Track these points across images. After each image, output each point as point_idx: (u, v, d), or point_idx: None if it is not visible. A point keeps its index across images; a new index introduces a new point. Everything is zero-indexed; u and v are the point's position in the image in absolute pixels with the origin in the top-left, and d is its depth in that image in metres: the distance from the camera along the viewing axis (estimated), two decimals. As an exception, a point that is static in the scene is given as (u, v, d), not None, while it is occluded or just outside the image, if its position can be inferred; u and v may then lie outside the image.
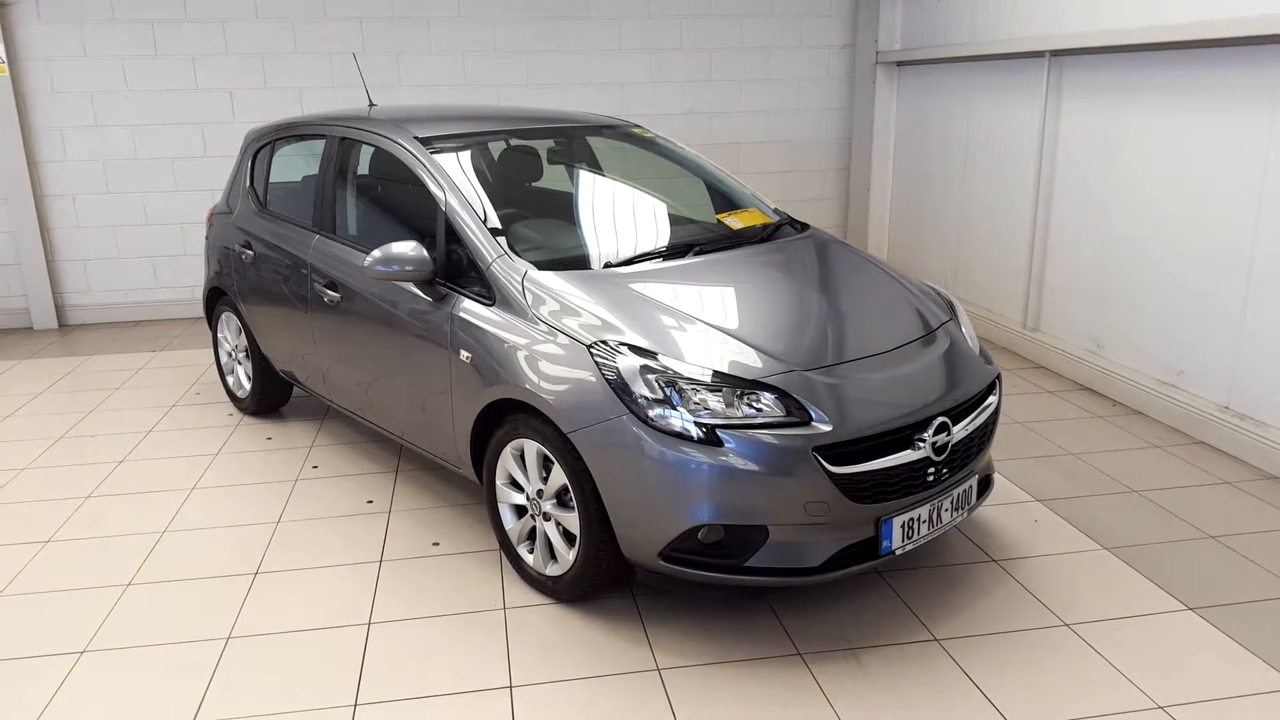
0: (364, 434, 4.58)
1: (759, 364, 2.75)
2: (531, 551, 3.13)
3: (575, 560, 2.91)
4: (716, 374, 2.69)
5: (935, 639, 2.81)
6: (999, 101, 6.02)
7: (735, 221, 3.72)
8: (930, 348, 3.05)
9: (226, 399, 5.14)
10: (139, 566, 3.37)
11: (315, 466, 4.23)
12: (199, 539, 3.57)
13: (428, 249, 3.27)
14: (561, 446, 2.83)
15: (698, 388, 2.66)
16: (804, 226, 3.82)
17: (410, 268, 3.25)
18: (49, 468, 4.30)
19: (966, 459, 2.96)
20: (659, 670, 2.68)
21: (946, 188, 6.74)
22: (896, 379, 2.86)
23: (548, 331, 2.92)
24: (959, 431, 2.88)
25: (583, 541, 2.86)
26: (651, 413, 2.64)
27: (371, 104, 4.84)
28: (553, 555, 3.05)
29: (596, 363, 2.76)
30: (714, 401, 2.64)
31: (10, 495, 4.02)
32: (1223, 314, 4.27)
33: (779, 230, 3.74)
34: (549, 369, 2.87)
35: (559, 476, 2.89)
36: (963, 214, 6.52)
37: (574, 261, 3.23)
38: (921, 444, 2.76)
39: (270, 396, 4.82)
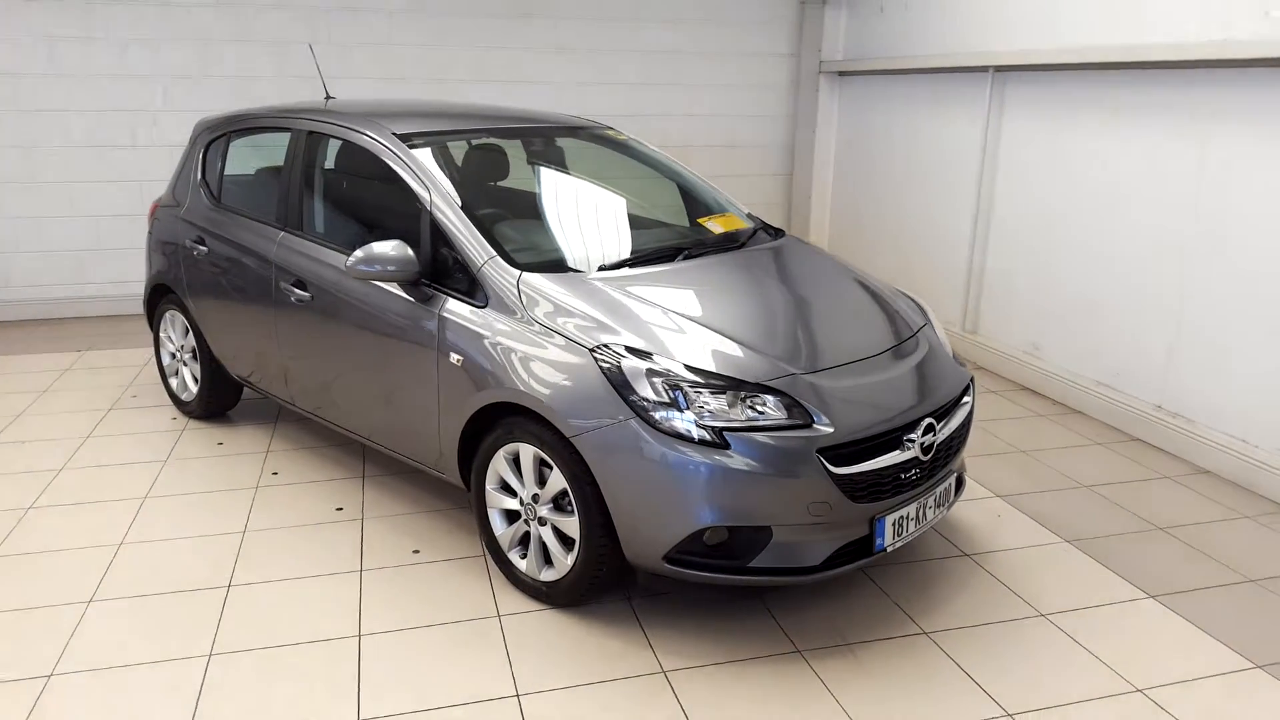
0: (322, 438, 4.45)
1: (760, 367, 2.80)
2: (523, 557, 3.11)
3: (573, 565, 2.90)
4: (720, 376, 2.73)
5: (924, 632, 2.92)
6: (941, 113, 6.24)
7: (715, 226, 3.77)
8: (914, 352, 3.15)
9: (169, 402, 4.92)
10: (99, 582, 3.20)
11: (275, 473, 4.10)
12: (161, 551, 3.42)
13: (411, 249, 3.21)
14: (562, 450, 2.82)
15: (702, 390, 2.69)
16: (779, 232, 3.90)
17: (394, 268, 3.18)
18: (-18, 477, 4.05)
19: (948, 458, 3.07)
20: (665, 673, 2.70)
21: (887, 195, 6.96)
22: (886, 382, 2.95)
23: (546, 335, 2.91)
24: (942, 432, 2.99)
25: (582, 546, 2.85)
26: (657, 415, 2.66)
27: (329, 96, 4.72)
28: (547, 560, 3.03)
29: (600, 366, 2.76)
30: (718, 404, 2.67)
31: (-57, 507, 3.77)
32: (1157, 320, 4.53)
33: (754, 235, 3.80)
34: (549, 373, 2.85)
35: (557, 481, 2.88)
36: (903, 220, 6.74)
37: (565, 265, 3.22)
38: (910, 444, 2.85)
39: (219, 399, 4.64)
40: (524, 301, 3.01)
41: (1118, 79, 4.68)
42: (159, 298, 4.77)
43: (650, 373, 2.72)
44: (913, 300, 3.59)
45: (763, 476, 2.62)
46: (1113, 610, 3.05)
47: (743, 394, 2.70)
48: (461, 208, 3.27)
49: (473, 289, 3.14)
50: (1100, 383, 4.92)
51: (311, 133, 3.89)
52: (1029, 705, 2.57)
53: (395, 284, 3.31)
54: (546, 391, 2.83)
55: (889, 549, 2.84)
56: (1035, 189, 5.34)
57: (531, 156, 3.98)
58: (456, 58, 7.05)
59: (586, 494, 2.79)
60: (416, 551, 3.41)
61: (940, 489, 3.03)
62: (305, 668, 2.73)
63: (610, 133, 4.24)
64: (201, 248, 4.29)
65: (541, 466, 2.95)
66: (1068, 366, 5.15)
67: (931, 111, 6.35)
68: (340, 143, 3.82)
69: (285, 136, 4.07)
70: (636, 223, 3.83)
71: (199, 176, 4.51)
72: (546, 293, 3.01)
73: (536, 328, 2.94)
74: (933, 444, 2.92)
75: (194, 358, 4.61)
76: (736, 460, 2.61)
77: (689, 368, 2.74)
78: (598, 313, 2.93)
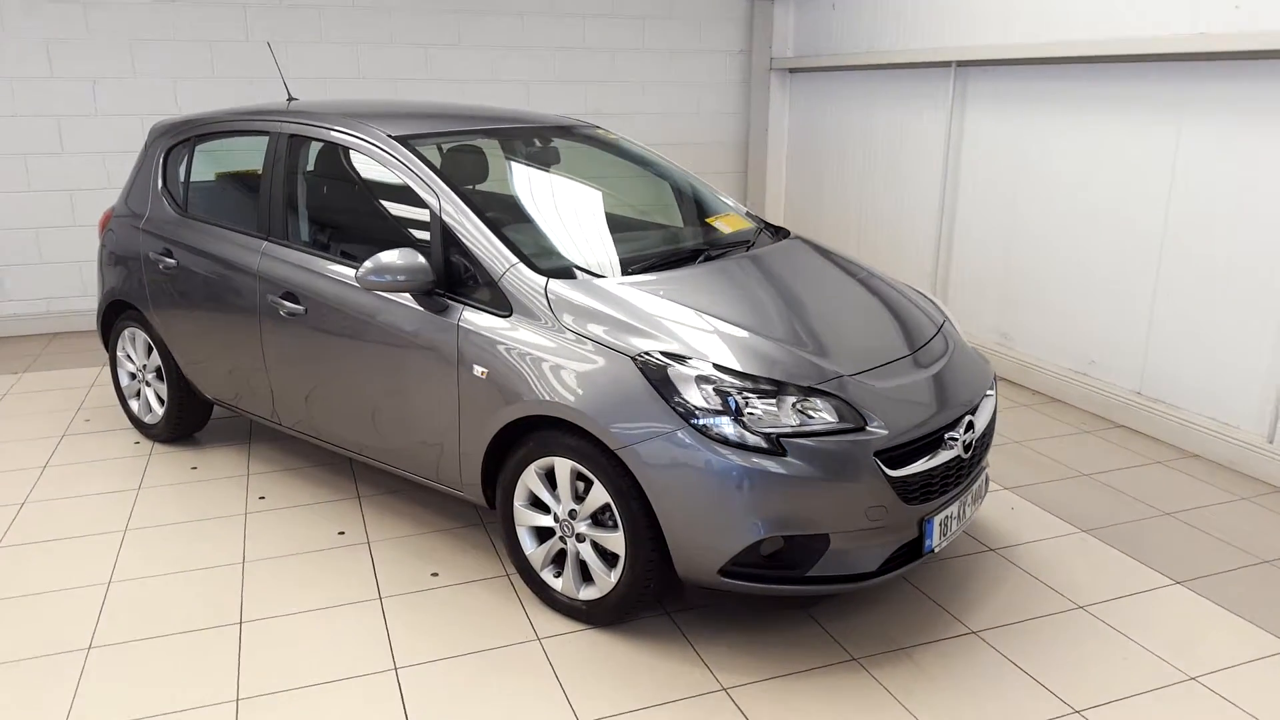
0: (304, 458, 4.22)
1: (806, 369, 2.74)
2: (557, 575, 2.98)
3: (618, 582, 2.79)
4: (769, 381, 2.66)
5: (972, 631, 2.90)
6: (902, 108, 6.29)
7: (724, 226, 3.69)
8: (944, 349, 3.14)
9: (128, 426, 4.60)
10: (94, 627, 2.94)
11: (262, 497, 3.86)
12: (156, 588, 3.17)
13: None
14: (604, 464, 2.70)
15: (751, 395, 2.61)
16: (784, 231, 3.84)
17: (406, 278, 3.01)
18: (-67, 516, 3.70)
19: (982, 454, 3.07)
20: (725, 690, 2.62)
21: (846, 191, 7.00)
22: (925, 381, 2.92)
23: (581, 344, 2.79)
24: (978, 428, 2.98)
25: (628, 562, 2.74)
26: (710, 424, 2.57)
27: (291, 98, 4.48)
28: (585, 578, 2.91)
29: (646, 375, 2.66)
30: (770, 409, 2.60)
31: (-106, 552, 3.42)
32: (1132, 306, 4.66)
33: (760, 235, 3.73)
34: (588, 383, 2.73)
35: (599, 495, 2.76)
36: (863, 216, 6.79)
37: (589, 270, 3.09)
38: (953, 442, 2.83)
39: (188, 421, 4.35)
40: (554, 310, 2.88)
41: (1088, 72, 4.78)
42: (115, 314, 4.45)
43: (700, 379, 2.63)
44: (926, 297, 3.58)
45: (822, 483, 2.56)
46: (1146, 598, 3.09)
47: (793, 398, 2.63)
48: (473, 213, 3.11)
49: (494, 298, 3.00)
50: (1076, 370, 5.03)
51: (294, 136, 3.66)
52: (1094, 700, 2.57)
53: (405, 295, 3.13)
54: (587, 403, 2.71)
55: (936, 550, 2.81)
56: (1001, 184, 5.43)
57: (528, 158, 3.83)
58: (402, 56, 6.80)
59: (633, 508, 2.68)
60: (435, 574, 3.25)
61: (976, 485, 3.03)
62: (347, 708, 2.55)
63: (600, 132, 4.13)
64: (168, 260, 4.01)
65: (578, 481, 2.83)
66: (1042, 355, 5.26)
67: (892, 108, 6.40)
68: (328, 146, 3.61)
69: (260, 140, 3.83)
70: (648, 225, 3.73)
71: (159, 184, 4.21)
72: (578, 300, 2.89)
73: (570, 336, 2.82)
74: (972, 441, 2.91)
75: (158, 377, 4.31)
76: (795, 467, 2.54)
77: (737, 373, 2.66)
78: (635, 319, 2.82)
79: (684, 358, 2.68)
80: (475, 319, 3.00)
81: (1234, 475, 4.08)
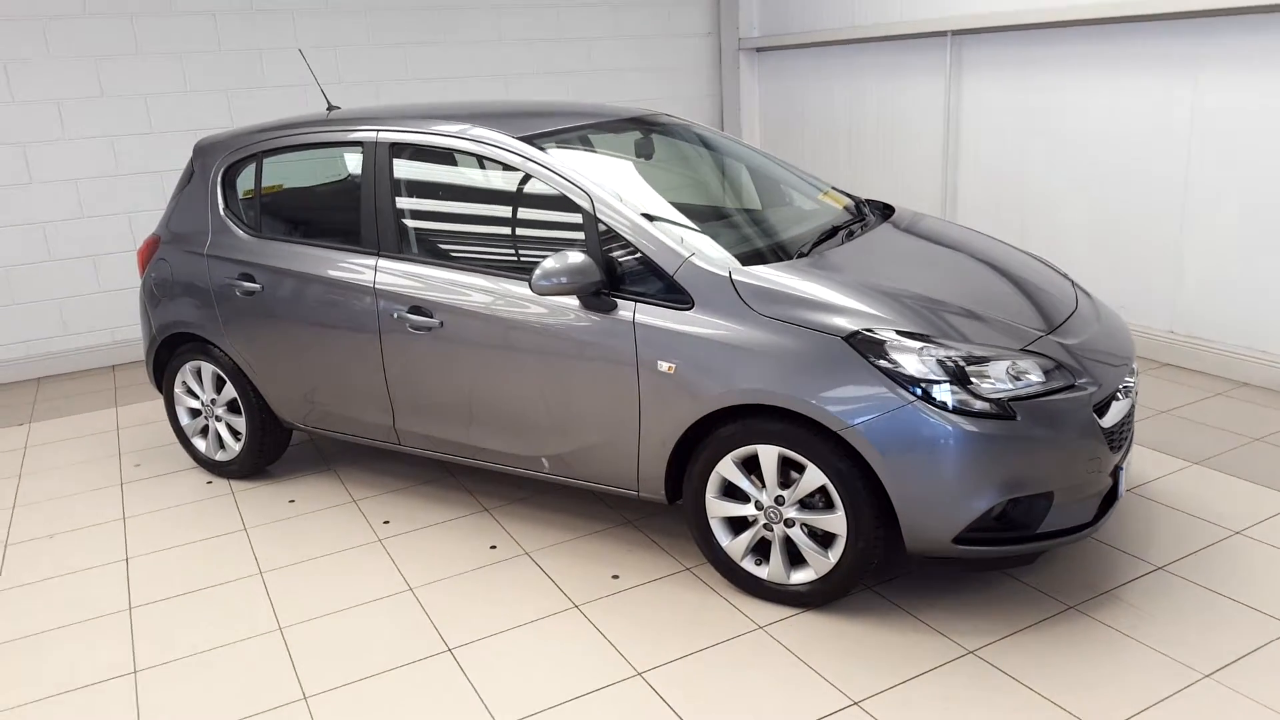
0: (405, 478, 4.05)
1: (1014, 333, 2.81)
2: (758, 564, 2.98)
3: (839, 562, 2.81)
4: (985, 346, 2.72)
5: (1159, 568, 3.05)
6: (894, 81, 6.44)
7: (834, 203, 3.72)
8: (1091, 305, 3.27)
9: (187, 466, 4.32)
10: (295, 673, 2.77)
11: (386, 522, 3.70)
12: (337, 628, 2.99)
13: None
14: (819, 446, 2.71)
15: (976, 363, 2.67)
16: (886, 207, 3.88)
17: (578, 280, 2.94)
18: (27, 585, 3.39)
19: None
20: (973, 653, 2.68)
21: (828, 168, 7.12)
22: (1098, 336, 3.04)
23: (783, 328, 2.78)
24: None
25: (850, 541, 2.77)
26: (937, 395, 2.61)
27: (331, 106, 4.27)
28: (793, 562, 2.92)
29: (862, 353, 2.67)
30: (996, 375, 2.66)
31: (14, 627, 3.12)
32: (1159, 250, 4.94)
33: (869, 211, 3.78)
34: (798, 367, 2.73)
35: (813, 478, 2.77)
36: (855, 188, 6.95)
37: (763, 254, 3.08)
38: (1125, 392, 2.96)
39: (269, 453, 4.12)
40: (743, 297, 2.86)
41: (1100, 33, 5.02)
42: (170, 350, 4.16)
43: (922, 351, 2.66)
44: (1042, 260, 3.71)
45: (1052, 441, 2.65)
46: (1292, 519, 3.32)
47: (1007, 361, 2.70)
48: (635, 208, 3.06)
49: (670, 291, 2.95)
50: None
51: (396, 144, 3.50)
52: (1305, 614, 2.76)
53: (569, 298, 3.05)
54: (800, 387, 2.71)
55: (1122, 496, 2.94)
56: (1007, 148, 5.62)
57: (638, 149, 3.77)
58: (385, 56, 6.55)
59: (855, 487, 2.70)
60: (615, 576, 3.19)
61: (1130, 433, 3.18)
62: (615, 715, 2.50)
63: (680, 121, 4.09)
64: (248, 284, 3.77)
65: (784, 465, 2.84)
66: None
67: (880, 81, 6.53)
68: (438, 153, 3.46)
69: (337, 151, 3.66)
70: (779, 206, 3.72)
71: (220, 205, 3.95)
72: (768, 285, 2.88)
73: (768, 322, 2.81)
74: (1130, 389, 3.06)
75: (230, 410, 4.06)
76: (1026, 428, 2.61)
77: (961, 342, 2.71)
78: (832, 298, 2.82)
79: (906, 332, 2.71)
80: (652, 314, 2.95)
81: (1292, 398, 4.40)
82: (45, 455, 4.62)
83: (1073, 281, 3.45)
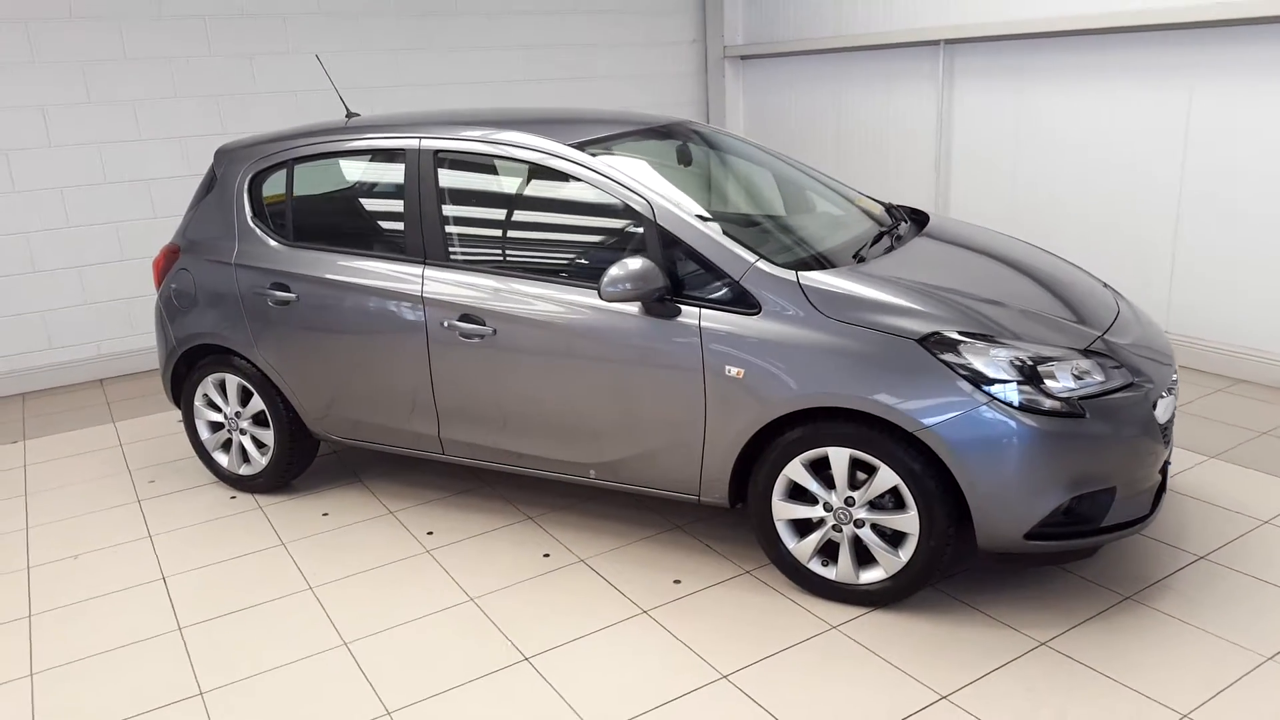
0: (441, 489, 4.01)
1: (1075, 333, 2.90)
2: (825, 565, 3.02)
3: (910, 560, 2.87)
4: (1053, 346, 2.80)
5: (1201, 557, 3.17)
6: (884, 89, 6.58)
7: (873, 209, 3.80)
8: (1130, 308, 3.39)
9: (206, 481, 4.21)
10: (372, 690, 2.72)
11: (430, 532, 3.65)
12: (407, 641, 2.95)
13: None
14: (892, 447, 2.77)
15: (1045, 363, 2.75)
16: (920, 213, 3.96)
17: (645, 286, 2.96)
18: (64, 606, 3.27)
19: (1166, 400, 3.35)
20: (1046, 644, 2.76)
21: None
22: (1144, 336, 3.16)
23: (854, 332, 2.83)
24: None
25: (922, 540, 2.83)
26: (1010, 395, 2.69)
27: (351, 113, 4.22)
28: (861, 562, 2.97)
29: (936, 355, 2.74)
30: (1064, 375, 2.75)
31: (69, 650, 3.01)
32: (1153, 252, 5.14)
33: (897, 214, 3.86)
34: (872, 370, 2.78)
35: (885, 479, 2.82)
36: (856, 193, 7.08)
37: (824, 260, 3.13)
38: (1175, 389, 3.09)
39: (298, 466, 4.04)
40: (813, 302, 2.91)
41: (1092, 44, 5.21)
42: (191, 363, 4.06)
43: (993, 352, 2.74)
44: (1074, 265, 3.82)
45: (1119, 437, 2.74)
46: (1313, 507, 3.48)
47: (1072, 362, 2.79)
48: (695, 214, 3.09)
49: (735, 297, 2.98)
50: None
51: (440, 152, 3.47)
52: (1350, 598, 2.90)
53: (631, 304, 3.07)
54: (874, 389, 2.76)
55: (1168, 489, 3.06)
56: (999, 155, 5.80)
57: (679, 157, 3.79)
58: (369, 62, 6.47)
59: (928, 486, 2.77)
60: (678, 582, 3.21)
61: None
62: (720, 711, 2.51)
63: (713, 129, 4.13)
64: (282, 294, 3.70)
65: (853, 468, 2.89)
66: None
67: (868, 90, 6.66)
68: (486, 160, 3.44)
69: (374, 159, 3.62)
70: (825, 212, 3.76)
71: (247, 213, 3.87)
72: (837, 289, 2.93)
73: (838, 326, 2.85)
74: (1175, 386, 3.18)
75: (255, 423, 3.98)
76: (1095, 426, 2.70)
77: (1029, 343, 2.79)
78: (901, 301, 2.89)
79: (974, 334, 2.78)
80: (719, 320, 2.98)
81: (1288, 394, 4.61)
82: (48, 473, 4.46)
83: (1106, 285, 3.57)
